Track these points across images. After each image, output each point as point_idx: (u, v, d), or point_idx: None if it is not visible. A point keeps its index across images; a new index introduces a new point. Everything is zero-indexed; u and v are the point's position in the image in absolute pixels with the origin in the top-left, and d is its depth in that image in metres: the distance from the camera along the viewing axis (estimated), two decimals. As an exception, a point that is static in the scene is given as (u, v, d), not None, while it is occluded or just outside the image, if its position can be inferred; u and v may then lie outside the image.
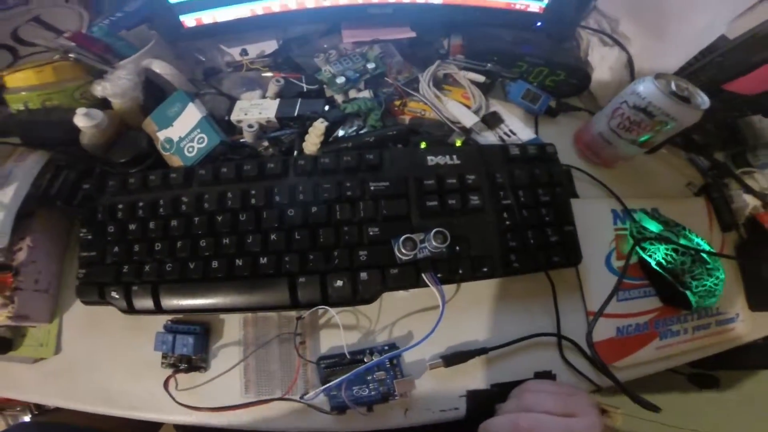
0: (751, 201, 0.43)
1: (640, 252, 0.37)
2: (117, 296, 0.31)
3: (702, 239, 0.37)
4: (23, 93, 0.35)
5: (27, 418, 0.63)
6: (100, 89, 0.33)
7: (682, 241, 0.37)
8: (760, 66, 0.38)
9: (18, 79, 0.35)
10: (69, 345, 0.36)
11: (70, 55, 0.34)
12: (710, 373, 0.53)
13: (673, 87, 0.35)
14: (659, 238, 0.37)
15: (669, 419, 0.73)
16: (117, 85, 0.33)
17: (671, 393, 0.71)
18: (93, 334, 0.35)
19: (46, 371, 0.35)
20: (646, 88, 0.34)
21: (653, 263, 0.36)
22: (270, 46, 0.43)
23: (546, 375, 0.33)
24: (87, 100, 0.36)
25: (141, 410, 0.33)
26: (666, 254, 0.36)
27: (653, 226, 0.38)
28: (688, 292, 0.35)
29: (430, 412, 0.32)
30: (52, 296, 0.36)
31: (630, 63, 0.46)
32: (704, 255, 0.36)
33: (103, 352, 0.35)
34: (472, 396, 0.32)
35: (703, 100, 0.35)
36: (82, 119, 0.32)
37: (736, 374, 0.55)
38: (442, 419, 0.32)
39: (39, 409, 0.64)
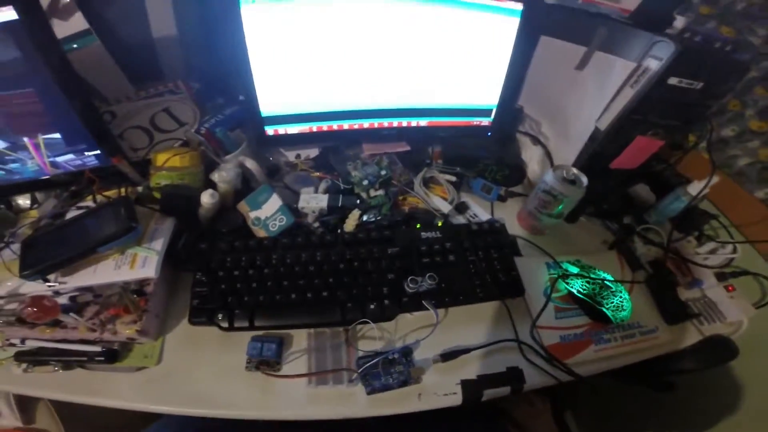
0: (651, 249, 0.67)
1: (564, 284, 0.59)
2: (222, 317, 0.50)
3: (607, 274, 0.60)
4: (164, 172, 0.56)
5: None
6: (217, 176, 0.57)
7: (592, 275, 0.60)
8: (626, 146, 0.61)
9: (166, 161, 0.56)
10: (168, 357, 0.51)
11: (201, 147, 0.58)
12: (666, 379, 0.65)
13: (564, 174, 0.60)
14: (576, 275, 0.60)
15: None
16: (228, 175, 0.57)
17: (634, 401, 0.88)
18: (188, 349, 0.52)
19: (146, 378, 0.50)
20: (549, 177, 0.60)
21: (575, 291, 0.58)
22: (314, 152, 0.70)
23: (515, 370, 0.51)
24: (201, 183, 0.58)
25: (221, 408, 0.47)
26: (582, 284, 0.59)
27: (573, 269, 0.61)
28: (603, 309, 0.56)
29: (436, 395, 0.49)
30: (162, 320, 0.53)
31: (549, 156, 0.71)
32: (608, 283, 0.59)
33: (196, 362, 0.50)
34: (465, 384, 0.50)
35: (584, 180, 0.60)
36: (208, 197, 0.54)
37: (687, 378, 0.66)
38: (445, 404, 0.48)
39: None
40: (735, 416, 0.72)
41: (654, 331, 0.58)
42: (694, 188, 0.66)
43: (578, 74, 0.64)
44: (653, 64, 0.52)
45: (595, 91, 0.61)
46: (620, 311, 0.57)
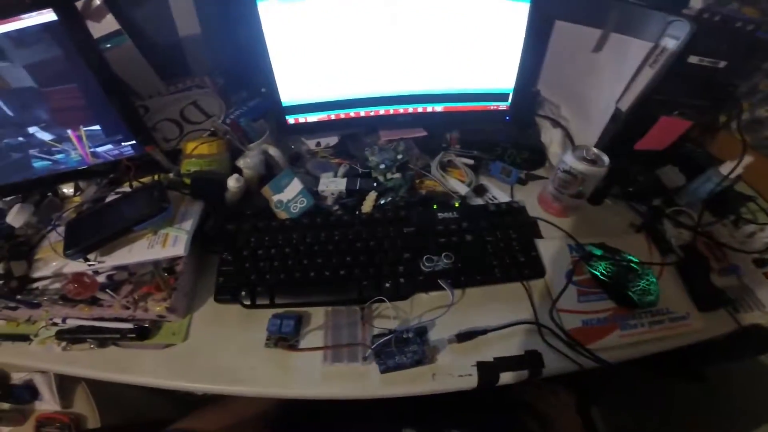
0: (683, 232, 0.64)
1: (588, 267, 0.58)
2: (245, 295, 0.53)
3: (633, 257, 0.58)
4: (194, 159, 0.60)
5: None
6: (242, 163, 0.60)
7: (617, 258, 0.58)
8: (651, 127, 0.60)
9: (195, 148, 0.60)
10: (195, 334, 0.54)
11: (227, 136, 0.61)
12: (698, 371, 0.63)
13: (584, 154, 0.59)
14: (600, 257, 0.58)
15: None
16: (252, 161, 0.60)
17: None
18: (213, 327, 0.54)
19: (173, 354, 0.52)
20: (567, 157, 0.59)
21: (598, 274, 0.56)
22: (333, 140, 0.72)
23: (533, 353, 0.50)
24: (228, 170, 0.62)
25: (241, 385, 0.49)
26: (605, 267, 0.57)
27: (596, 251, 0.59)
28: (628, 292, 0.54)
29: (451, 377, 0.49)
30: (190, 298, 0.56)
31: (570, 138, 0.71)
32: (633, 265, 0.57)
33: (219, 340, 0.53)
34: (481, 366, 0.49)
35: (605, 160, 0.59)
36: (234, 181, 0.57)
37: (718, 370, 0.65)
38: (460, 386, 0.48)
39: (78, 428, 0.79)
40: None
41: (685, 317, 0.55)
42: (726, 169, 0.63)
43: (595, 56, 0.63)
44: (670, 44, 0.52)
45: (614, 73, 0.60)
46: (647, 295, 0.55)
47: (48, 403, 0.79)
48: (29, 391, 0.78)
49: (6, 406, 0.79)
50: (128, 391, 0.88)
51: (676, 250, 0.62)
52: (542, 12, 0.61)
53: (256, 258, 0.55)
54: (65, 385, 0.80)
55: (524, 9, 0.60)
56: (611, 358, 0.51)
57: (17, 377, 0.79)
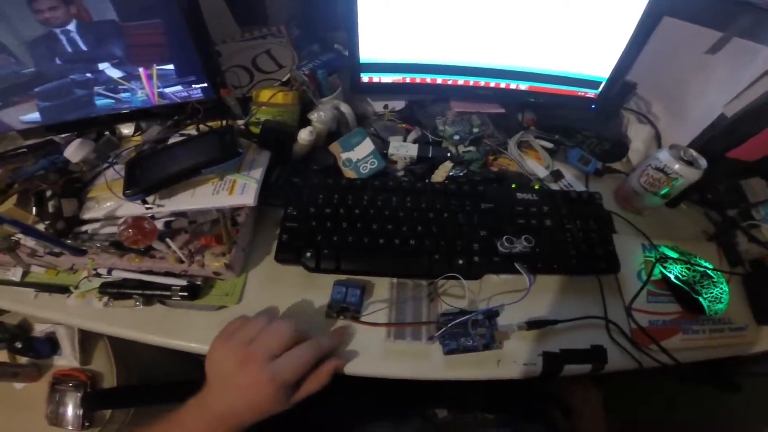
0: (755, 247, 0.60)
1: (662, 269, 0.55)
2: (309, 256, 0.49)
3: (707, 263, 0.56)
4: (264, 108, 0.56)
5: (79, 395, 0.70)
6: (315, 116, 0.56)
7: (692, 262, 0.55)
8: (751, 137, 0.55)
9: (271, 97, 0.56)
10: (249, 296, 0.50)
11: (303, 86, 0.58)
12: (736, 382, 0.61)
13: (682, 154, 0.55)
14: (676, 260, 0.55)
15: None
16: (325, 115, 0.56)
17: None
18: (269, 290, 0.50)
19: (224, 318, 0.47)
20: (663, 155, 0.55)
21: (672, 277, 0.54)
22: (400, 104, 0.68)
23: (599, 349, 0.49)
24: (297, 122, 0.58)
25: None
26: (681, 270, 0.54)
27: (672, 254, 0.56)
28: (700, 298, 0.52)
29: (516, 364, 0.46)
30: (246, 255, 0.52)
31: (658, 137, 0.66)
32: (709, 272, 0.54)
33: (275, 305, 0.49)
34: (546, 356, 0.47)
35: (702, 163, 0.55)
36: (307, 133, 0.54)
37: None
38: (523, 374, 0.46)
39: (93, 387, 0.73)
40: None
41: (743, 329, 0.55)
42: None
43: (708, 58, 0.59)
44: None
45: (727, 77, 0.56)
46: (717, 303, 0.53)
47: (67, 359, 0.73)
48: (50, 345, 0.73)
49: (24, 360, 0.73)
50: (152, 351, 0.78)
51: (746, 265, 0.60)
52: (662, 6, 0.55)
53: (323, 217, 0.52)
54: (87, 340, 0.75)
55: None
56: (667, 359, 0.49)
57: (39, 329, 0.73)
